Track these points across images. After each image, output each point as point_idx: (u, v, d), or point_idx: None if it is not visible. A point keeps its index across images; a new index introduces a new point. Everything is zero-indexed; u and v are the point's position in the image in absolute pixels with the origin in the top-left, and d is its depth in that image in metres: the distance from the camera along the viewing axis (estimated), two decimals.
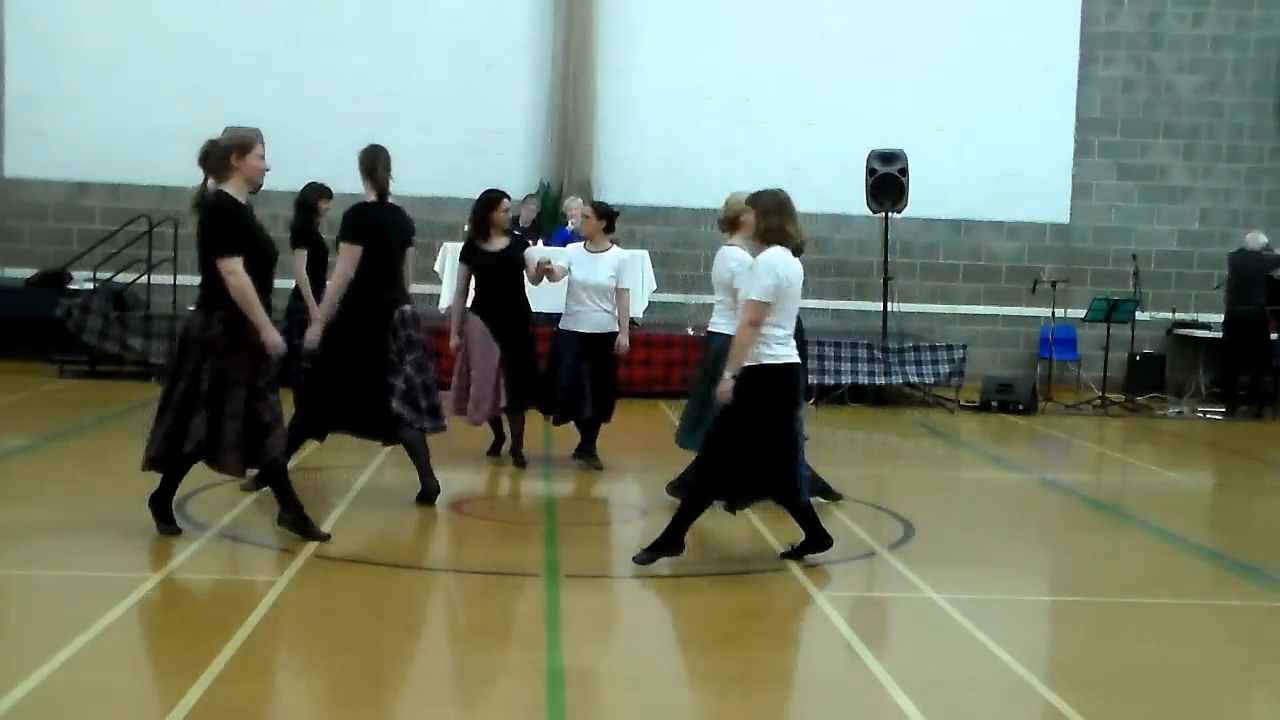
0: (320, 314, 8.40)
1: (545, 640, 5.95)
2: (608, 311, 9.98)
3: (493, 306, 9.85)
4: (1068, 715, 5.16)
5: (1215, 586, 7.63)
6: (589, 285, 9.92)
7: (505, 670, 5.60)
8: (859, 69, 17.57)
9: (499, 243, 9.92)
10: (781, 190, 7.31)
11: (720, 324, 8.49)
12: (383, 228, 8.42)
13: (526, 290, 10.04)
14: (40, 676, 5.08)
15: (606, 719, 5.21)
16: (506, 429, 10.19)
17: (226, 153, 7.16)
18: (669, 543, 7.15)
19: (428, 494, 8.54)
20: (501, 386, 9.72)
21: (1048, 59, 17.91)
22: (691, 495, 7.28)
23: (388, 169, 8.44)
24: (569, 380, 9.85)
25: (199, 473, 9.05)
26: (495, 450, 10.31)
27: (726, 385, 7.07)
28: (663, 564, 7.10)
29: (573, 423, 10.18)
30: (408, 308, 8.48)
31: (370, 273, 8.26)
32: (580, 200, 16.24)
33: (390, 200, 8.55)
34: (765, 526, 8.34)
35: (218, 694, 5.02)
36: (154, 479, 7.38)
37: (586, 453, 10.15)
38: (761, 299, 6.98)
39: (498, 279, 9.87)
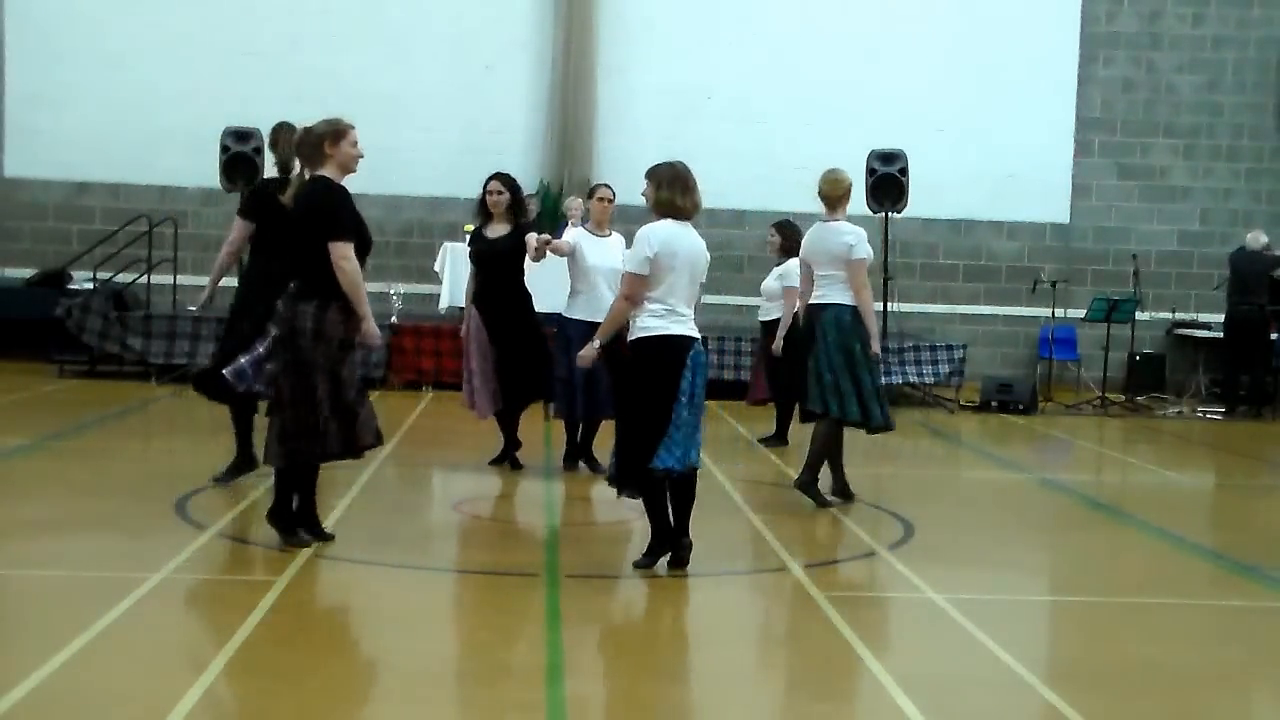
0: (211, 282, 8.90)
1: (545, 640, 5.95)
2: None
3: (485, 297, 9.78)
4: (1068, 715, 5.16)
5: (1215, 586, 7.62)
6: (604, 269, 9.60)
7: (505, 670, 5.60)
8: (859, 69, 17.58)
9: (498, 229, 9.84)
10: (679, 163, 7.24)
11: (832, 295, 8.81)
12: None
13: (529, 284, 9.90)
14: (40, 676, 5.07)
15: (606, 719, 5.21)
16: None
17: (320, 140, 7.14)
18: (659, 541, 7.14)
19: (243, 465, 8.79)
20: (497, 385, 9.74)
21: (1048, 59, 17.92)
22: (636, 486, 7.10)
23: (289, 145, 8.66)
24: (587, 372, 9.27)
25: (198, 473, 9.06)
26: (500, 459, 10.07)
27: (589, 352, 7.22)
28: (663, 564, 7.10)
29: (565, 425, 9.96)
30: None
31: (259, 245, 8.59)
32: (580, 200, 16.23)
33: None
34: (765, 527, 8.34)
35: (218, 694, 5.02)
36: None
37: (586, 457, 10.01)
38: (636, 271, 6.98)
39: (487, 267, 9.78)
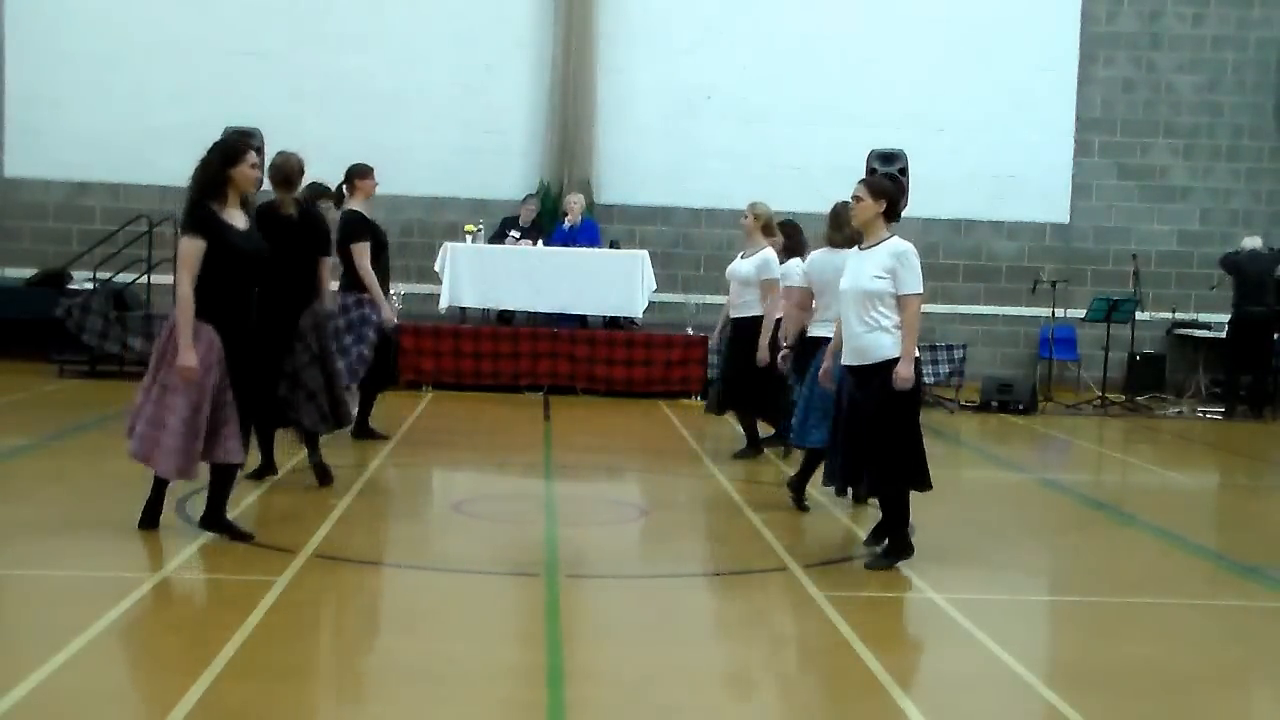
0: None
1: (545, 640, 5.95)
2: None
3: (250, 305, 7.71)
4: (1068, 715, 5.16)
5: (1215, 586, 7.62)
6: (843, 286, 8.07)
7: (505, 670, 5.60)
8: (859, 69, 17.58)
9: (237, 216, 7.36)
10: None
11: None
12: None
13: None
14: (40, 676, 5.07)
15: (606, 719, 5.21)
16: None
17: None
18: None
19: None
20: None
21: (1048, 59, 17.91)
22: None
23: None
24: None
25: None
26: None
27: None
28: (662, 564, 7.10)
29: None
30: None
31: None
32: (581, 199, 16.25)
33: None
34: (765, 527, 8.34)
35: (218, 694, 5.02)
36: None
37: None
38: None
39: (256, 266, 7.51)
